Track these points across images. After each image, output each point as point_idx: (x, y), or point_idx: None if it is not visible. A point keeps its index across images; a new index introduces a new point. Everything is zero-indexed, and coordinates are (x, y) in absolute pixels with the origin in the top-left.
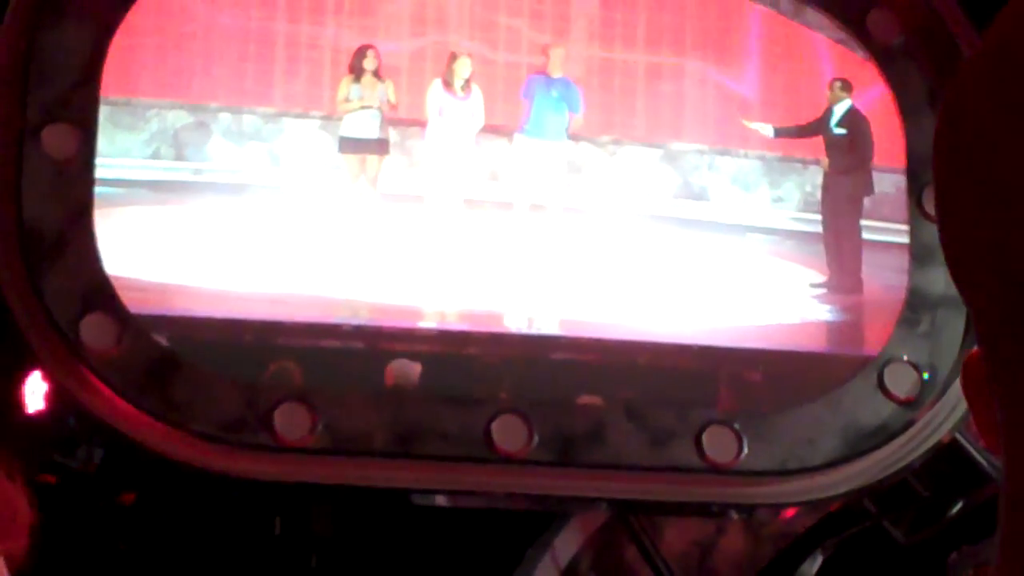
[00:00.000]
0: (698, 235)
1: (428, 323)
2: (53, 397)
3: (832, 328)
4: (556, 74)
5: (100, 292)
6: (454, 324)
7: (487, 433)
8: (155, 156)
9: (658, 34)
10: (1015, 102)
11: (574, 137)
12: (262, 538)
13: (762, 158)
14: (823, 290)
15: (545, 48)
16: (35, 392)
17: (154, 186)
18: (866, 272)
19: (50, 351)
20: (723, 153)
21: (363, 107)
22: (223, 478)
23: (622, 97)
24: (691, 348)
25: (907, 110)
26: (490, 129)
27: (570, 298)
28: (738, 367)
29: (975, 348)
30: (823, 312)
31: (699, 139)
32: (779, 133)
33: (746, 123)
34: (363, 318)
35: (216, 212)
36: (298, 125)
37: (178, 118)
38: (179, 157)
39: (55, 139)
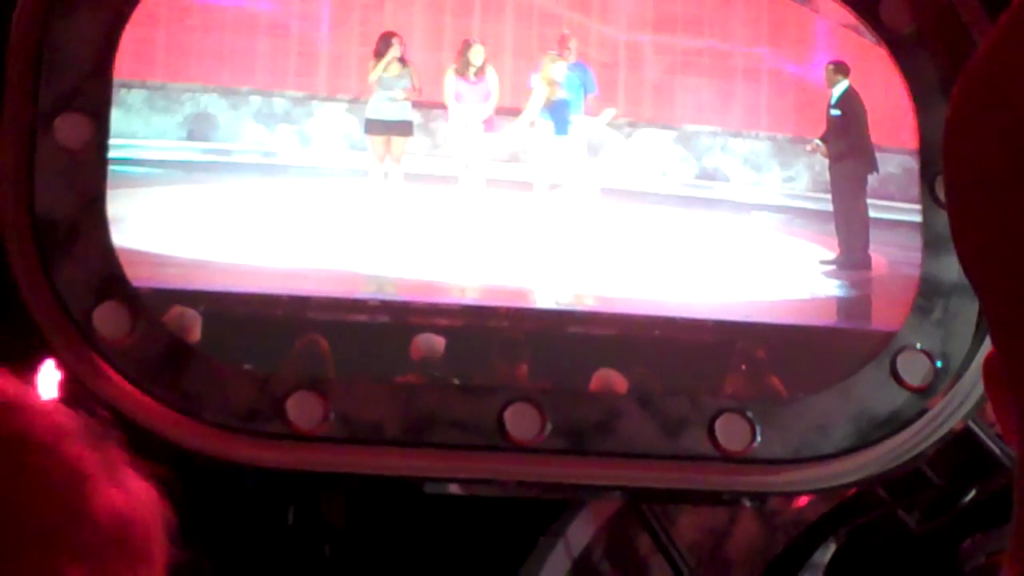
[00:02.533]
0: (712, 215)
1: (451, 298)
2: (66, 386)
3: (842, 303)
4: (571, 59)
5: (113, 281)
6: (477, 300)
7: (500, 421)
8: (190, 137)
9: (670, 13)
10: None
11: (593, 115)
12: (275, 527)
13: (773, 139)
14: (833, 266)
15: (564, 39)
16: (48, 381)
17: (188, 166)
18: (874, 248)
19: (63, 340)
20: (736, 135)
21: (387, 90)
22: (236, 466)
23: (632, 79)
24: (706, 323)
25: (919, 98)
26: (509, 111)
27: (589, 275)
28: (751, 342)
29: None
30: (833, 287)
31: (712, 121)
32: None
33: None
34: (388, 293)
35: (247, 191)
36: (326, 108)
37: (211, 101)
38: (212, 138)
39: (68, 128)
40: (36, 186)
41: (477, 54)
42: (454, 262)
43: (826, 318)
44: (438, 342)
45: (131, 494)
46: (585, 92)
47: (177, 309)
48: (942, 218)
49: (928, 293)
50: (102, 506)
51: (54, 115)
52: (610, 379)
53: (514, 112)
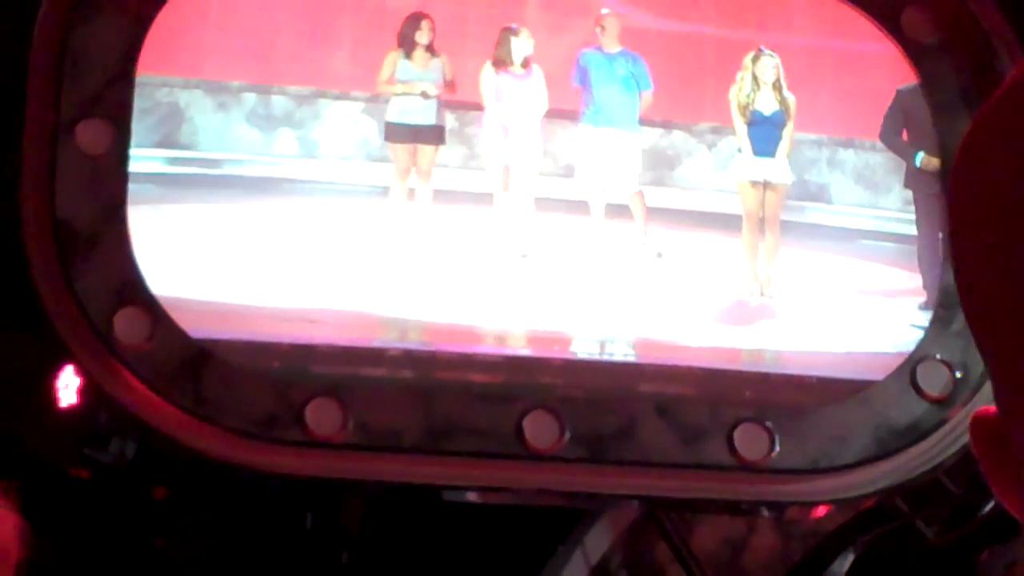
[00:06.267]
0: (812, 244)
1: (487, 347)
2: (86, 391)
3: None
4: (614, 48)
5: (133, 287)
6: (517, 349)
7: (519, 429)
8: (164, 144)
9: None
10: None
11: (664, 124)
12: (294, 533)
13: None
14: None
15: (599, 19)
16: (68, 386)
17: (163, 181)
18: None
19: (83, 345)
20: (847, 145)
21: (412, 89)
22: (255, 473)
23: (691, 74)
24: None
25: (940, 109)
26: (556, 113)
27: (649, 319)
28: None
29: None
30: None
31: (814, 127)
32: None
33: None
34: (412, 341)
35: (238, 212)
36: (337, 108)
37: (193, 99)
38: (194, 146)
39: (89, 135)
40: (57, 192)
41: (523, 43)
42: (491, 300)
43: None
44: None
45: None
46: (639, 88)
47: None
48: None
49: (948, 304)
50: None
51: (76, 121)
52: None
53: (563, 115)
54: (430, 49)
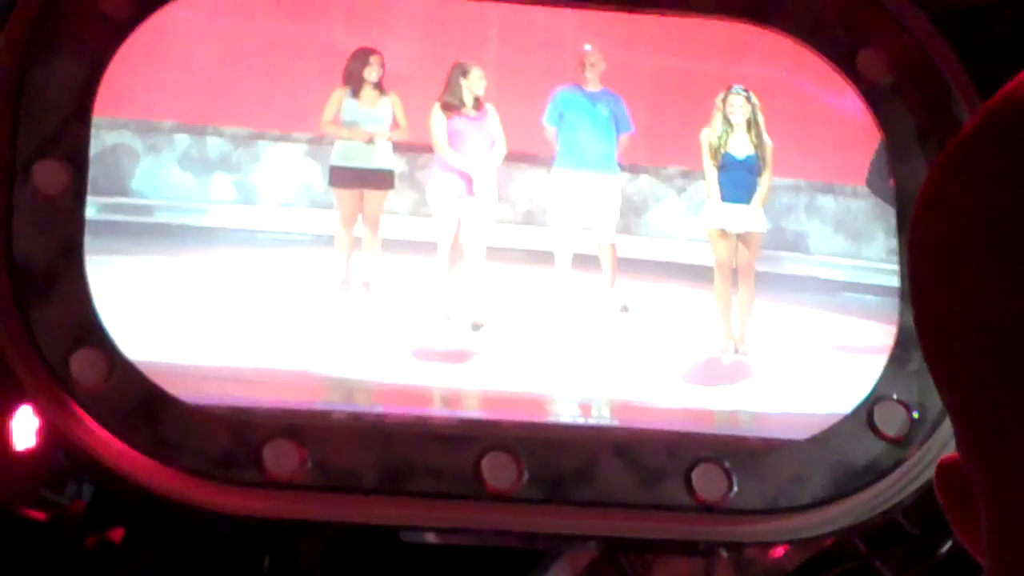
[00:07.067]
0: (790, 297)
1: (441, 409)
2: (42, 432)
3: None
4: (595, 87)
5: (90, 328)
6: (475, 412)
7: (477, 470)
8: (89, 191)
9: (705, 35)
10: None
11: (631, 168)
12: (252, 575)
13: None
14: None
15: (583, 56)
16: (24, 428)
17: (88, 229)
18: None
19: (39, 386)
20: (826, 190)
21: (357, 135)
22: (212, 514)
23: (672, 112)
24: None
25: (896, 149)
26: (518, 156)
27: (615, 379)
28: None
29: (950, 455)
30: None
31: (794, 170)
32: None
33: None
34: (360, 403)
35: (170, 264)
36: (278, 150)
37: (120, 140)
38: (120, 192)
39: (46, 175)
40: (14, 232)
41: (475, 83)
42: (445, 359)
43: None
44: None
45: None
46: (618, 131)
47: None
48: None
49: (905, 344)
50: None
51: (32, 161)
52: None
53: (522, 158)
54: (379, 87)
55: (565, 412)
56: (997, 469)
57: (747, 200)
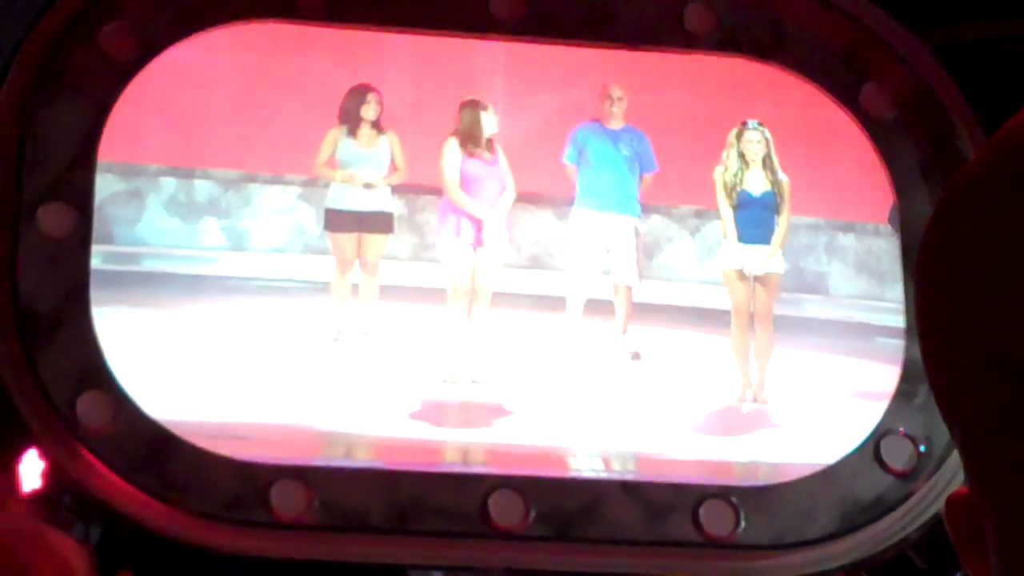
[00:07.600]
0: (811, 342)
1: (448, 465)
2: (50, 475)
3: None
4: (618, 124)
5: (96, 370)
6: (478, 468)
7: (484, 508)
8: None
9: (714, 73)
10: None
11: (642, 207)
12: None
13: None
14: None
15: (606, 91)
16: (32, 470)
17: None
18: None
19: (46, 429)
20: (847, 229)
21: (352, 180)
22: (220, 555)
23: (683, 150)
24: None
25: (900, 183)
26: (523, 197)
27: (629, 430)
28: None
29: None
30: None
31: (810, 210)
32: None
33: None
34: (361, 459)
35: (156, 314)
36: (270, 193)
37: (103, 184)
38: (105, 239)
39: (51, 218)
40: (20, 275)
41: (491, 119)
42: (450, 411)
43: None
44: None
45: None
46: (641, 170)
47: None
48: None
49: (911, 378)
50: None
51: (38, 205)
52: None
53: (528, 199)
54: (377, 125)
55: (576, 468)
56: (1006, 504)
57: (766, 240)
